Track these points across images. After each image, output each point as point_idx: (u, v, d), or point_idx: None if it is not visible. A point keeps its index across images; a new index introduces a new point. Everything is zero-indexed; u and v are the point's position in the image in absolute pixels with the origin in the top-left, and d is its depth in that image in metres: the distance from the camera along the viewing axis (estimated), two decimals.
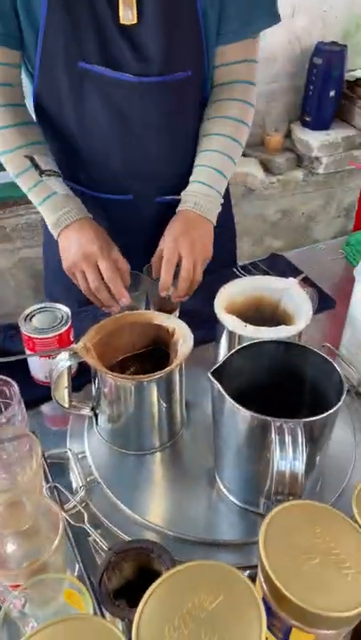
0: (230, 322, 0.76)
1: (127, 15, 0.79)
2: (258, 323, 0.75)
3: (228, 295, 0.81)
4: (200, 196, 0.90)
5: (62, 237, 0.88)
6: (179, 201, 0.93)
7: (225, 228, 1.17)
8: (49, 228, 0.90)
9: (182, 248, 0.85)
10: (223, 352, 0.81)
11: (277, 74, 2.21)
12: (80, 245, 0.84)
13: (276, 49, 2.15)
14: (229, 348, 0.76)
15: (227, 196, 1.12)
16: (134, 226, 1.02)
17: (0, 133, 0.88)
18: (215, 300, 0.79)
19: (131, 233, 1.00)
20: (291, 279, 0.81)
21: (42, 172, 0.88)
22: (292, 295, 0.80)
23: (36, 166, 0.88)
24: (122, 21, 0.80)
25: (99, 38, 0.81)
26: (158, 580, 0.42)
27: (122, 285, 0.84)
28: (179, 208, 0.91)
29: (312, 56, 2.15)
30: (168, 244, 0.86)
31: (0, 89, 0.86)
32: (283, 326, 0.75)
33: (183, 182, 0.94)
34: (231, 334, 0.77)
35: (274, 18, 0.90)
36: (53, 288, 1.19)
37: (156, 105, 0.88)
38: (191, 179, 0.92)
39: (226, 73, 0.93)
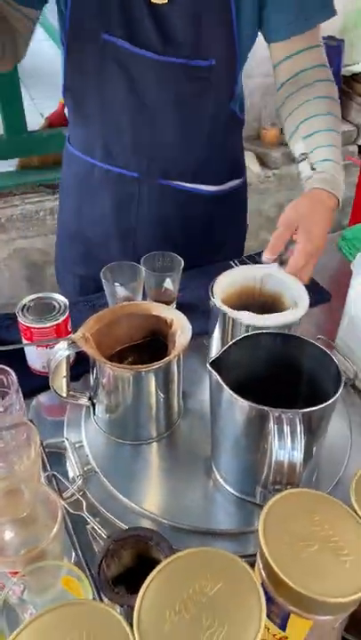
0: (242, 314, 0.74)
1: None
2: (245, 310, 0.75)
3: (224, 286, 0.79)
4: (330, 177, 0.84)
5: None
6: (187, 190, 0.92)
7: (237, 225, 1.17)
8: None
9: (302, 229, 0.78)
10: (217, 344, 0.80)
11: None
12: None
13: None
14: (227, 340, 0.75)
15: (244, 193, 1.11)
16: (136, 205, 1.01)
17: None
18: (213, 292, 0.78)
19: (132, 212, 1.01)
20: (273, 264, 0.80)
21: None
22: (276, 279, 0.79)
23: None
24: (153, 1, 0.80)
25: (126, 13, 0.81)
26: (159, 566, 0.42)
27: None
28: (312, 186, 0.83)
29: None
30: (284, 220, 0.79)
31: None
32: (289, 311, 0.74)
33: (188, 170, 0.94)
34: (229, 326, 0.76)
35: (331, 11, 0.88)
36: (59, 263, 1.21)
37: (172, 87, 0.87)
38: (318, 159, 0.84)
39: (292, 65, 0.92)
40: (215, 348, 0.80)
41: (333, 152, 0.85)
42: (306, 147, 0.86)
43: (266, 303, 0.80)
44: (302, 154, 0.86)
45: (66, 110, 1.06)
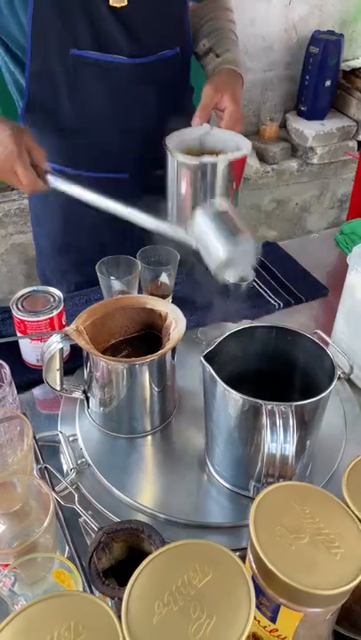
0: (203, 157, 0.82)
1: None
2: None
3: (173, 146, 0.85)
4: (236, 59, 0.95)
5: None
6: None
7: None
8: None
9: (227, 97, 0.86)
10: (174, 198, 0.87)
11: (273, 62, 2.20)
12: None
13: (272, 38, 2.14)
14: (186, 192, 0.85)
15: None
16: (132, 204, 1.01)
17: None
18: (168, 147, 0.84)
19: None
20: (206, 125, 0.88)
21: None
22: (213, 137, 0.88)
23: None
24: (112, 3, 0.81)
25: (90, 23, 0.81)
26: (148, 558, 0.42)
27: (41, 185, 0.81)
28: (220, 67, 0.92)
29: (308, 45, 2.14)
30: (208, 92, 0.86)
31: None
32: (237, 151, 0.83)
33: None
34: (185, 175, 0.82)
35: None
36: (46, 271, 1.18)
37: (149, 83, 0.90)
38: (223, 49, 0.95)
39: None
40: (172, 203, 0.88)
41: (233, 44, 0.97)
42: (209, 41, 0.97)
43: None
44: (208, 48, 0.97)
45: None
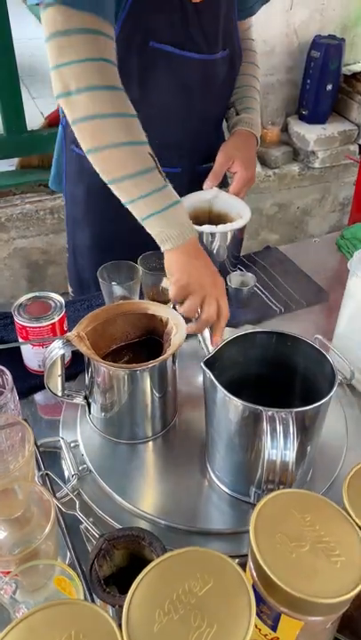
0: (204, 227, 0.93)
1: None
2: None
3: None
4: (253, 120, 1.03)
5: (177, 253, 0.78)
6: (206, 169, 1.01)
7: None
8: (158, 237, 0.78)
9: (237, 162, 0.96)
10: None
11: (275, 67, 2.20)
12: (198, 271, 0.78)
13: (273, 42, 2.14)
14: None
15: None
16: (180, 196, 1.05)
17: (125, 121, 0.75)
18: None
19: None
20: (216, 189, 0.99)
21: (165, 177, 0.79)
22: (222, 200, 0.99)
23: (159, 169, 0.78)
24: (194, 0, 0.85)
25: (170, 17, 0.85)
26: (149, 566, 0.42)
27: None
28: (238, 128, 1.01)
29: (310, 49, 2.14)
30: (219, 159, 0.96)
31: (111, 67, 0.75)
32: (236, 221, 0.95)
33: (215, 151, 1.01)
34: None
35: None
36: (84, 272, 1.18)
37: (214, 79, 0.96)
38: (244, 107, 1.03)
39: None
40: None
41: (254, 103, 1.04)
42: (232, 96, 1.04)
43: (216, 220, 0.99)
44: (230, 102, 1.04)
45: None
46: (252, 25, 1.11)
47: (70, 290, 1.28)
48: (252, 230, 2.38)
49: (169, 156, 0.97)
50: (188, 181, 1.02)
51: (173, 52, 0.88)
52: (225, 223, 0.96)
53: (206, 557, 0.43)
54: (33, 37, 2.73)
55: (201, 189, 1.01)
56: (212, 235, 0.95)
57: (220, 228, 0.94)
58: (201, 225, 0.94)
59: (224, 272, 1.05)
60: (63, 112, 0.94)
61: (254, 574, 0.45)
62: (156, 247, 0.80)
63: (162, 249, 0.79)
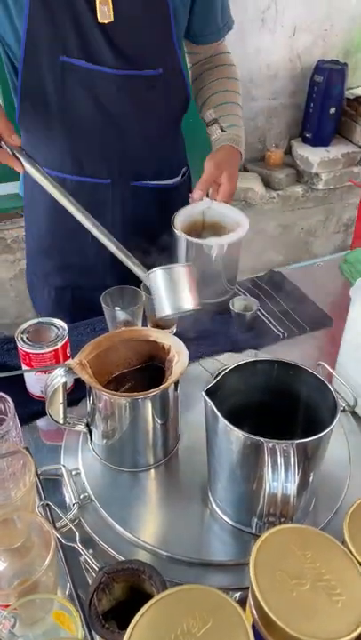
0: (210, 240, 0.95)
1: (104, 14, 0.86)
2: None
3: (180, 223, 0.98)
4: (239, 137, 1.05)
5: None
6: (152, 187, 1.06)
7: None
8: None
9: (226, 175, 0.98)
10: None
11: (278, 91, 2.23)
12: None
13: (277, 67, 2.18)
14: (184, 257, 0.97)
15: (189, 176, 1.22)
16: (110, 209, 1.07)
17: None
18: (175, 226, 0.97)
19: (107, 216, 1.05)
20: (207, 200, 1.01)
21: None
22: (213, 211, 1.01)
23: None
24: (100, 20, 0.86)
25: (79, 35, 0.87)
26: (148, 604, 0.42)
27: (6, 156, 0.82)
28: (224, 143, 1.03)
29: (313, 74, 2.18)
30: (209, 169, 0.98)
31: None
32: (239, 229, 0.96)
33: (152, 168, 1.06)
34: (191, 248, 0.95)
35: (231, 23, 1.11)
36: (33, 275, 1.22)
37: (130, 96, 0.96)
38: (229, 124, 1.05)
39: (207, 49, 1.11)
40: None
41: (238, 120, 1.07)
42: (216, 113, 1.06)
43: (210, 230, 1.01)
44: (213, 119, 1.06)
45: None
46: (222, 41, 1.12)
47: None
48: (257, 251, 2.40)
49: (97, 167, 1.03)
50: (120, 194, 1.05)
51: (84, 65, 0.89)
52: (219, 232, 0.98)
53: (206, 595, 0.43)
54: None
55: (137, 207, 1.05)
56: (221, 247, 0.95)
57: (227, 238, 0.95)
58: (198, 236, 0.96)
59: (232, 282, 1.08)
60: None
61: (254, 613, 0.44)
62: (95, 256, 0.86)
63: None
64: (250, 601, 0.45)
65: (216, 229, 1.01)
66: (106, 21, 0.86)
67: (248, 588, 0.49)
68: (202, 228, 1.02)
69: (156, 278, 0.77)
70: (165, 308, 0.77)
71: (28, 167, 0.82)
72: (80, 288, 1.14)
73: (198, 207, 1.01)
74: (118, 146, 1.01)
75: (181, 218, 0.99)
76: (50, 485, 0.74)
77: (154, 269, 0.77)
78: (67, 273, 1.13)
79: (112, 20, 0.87)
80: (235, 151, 1.03)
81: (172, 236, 1.00)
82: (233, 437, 0.62)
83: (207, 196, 1.02)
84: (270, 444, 0.58)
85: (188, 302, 0.77)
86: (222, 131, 1.04)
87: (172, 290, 0.76)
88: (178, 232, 0.96)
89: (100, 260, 1.02)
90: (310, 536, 0.47)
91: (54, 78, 0.91)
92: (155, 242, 1.02)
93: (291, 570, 0.44)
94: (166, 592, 0.43)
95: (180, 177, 1.16)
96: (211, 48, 1.11)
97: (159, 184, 1.09)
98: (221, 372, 0.70)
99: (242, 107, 1.10)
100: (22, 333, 0.83)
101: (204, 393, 0.64)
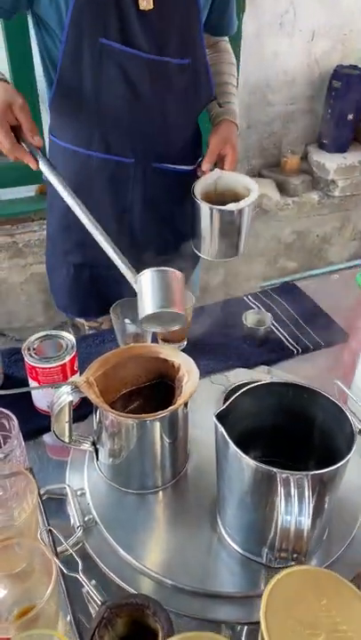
0: (229, 205, 1.00)
1: (146, 1, 0.92)
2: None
3: (198, 193, 1.04)
4: (235, 111, 1.15)
5: None
6: (171, 170, 1.11)
7: None
8: None
9: (229, 146, 1.09)
10: (207, 236, 1.05)
11: (295, 96, 2.20)
12: None
13: (294, 72, 2.14)
14: (207, 226, 1.03)
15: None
16: (131, 188, 1.12)
17: None
18: (196, 196, 1.03)
19: (128, 195, 1.11)
20: (216, 170, 1.09)
21: None
22: (224, 179, 1.08)
23: None
24: (141, 7, 0.93)
25: (119, 19, 0.93)
26: None
27: (21, 151, 0.88)
28: (222, 117, 1.13)
29: (331, 79, 2.14)
30: (215, 142, 1.08)
31: None
32: (251, 195, 1.03)
33: (175, 152, 1.11)
34: (215, 219, 1.02)
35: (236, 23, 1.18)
36: (51, 256, 1.26)
37: (161, 81, 1.01)
38: (225, 100, 1.15)
39: (210, 47, 1.17)
40: (204, 240, 1.06)
41: (233, 97, 1.17)
42: (215, 92, 1.13)
43: (221, 198, 1.06)
44: (214, 97, 1.14)
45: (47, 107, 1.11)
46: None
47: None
48: (271, 258, 2.36)
49: (122, 145, 1.07)
50: (141, 174, 1.09)
51: (121, 48, 0.95)
52: (231, 199, 1.03)
53: None
54: None
55: (157, 188, 1.10)
56: (238, 211, 1.01)
57: (243, 202, 1.01)
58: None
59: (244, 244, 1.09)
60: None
61: None
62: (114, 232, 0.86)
63: None
64: None
65: (228, 196, 1.06)
66: (147, 9, 0.93)
67: (257, 622, 0.47)
68: (215, 196, 1.07)
69: (145, 278, 0.76)
70: (147, 308, 0.75)
71: (42, 167, 0.88)
72: (98, 266, 1.16)
73: (211, 178, 1.07)
74: (144, 127, 1.05)
75: (199, 188, 1.05)
76: (54, 505, 0.72)
77: (143, 271, 0.77)
78: (86, 249, 1.14)
79: (152, 7, 0.93)
80: (232, 124, 1.13)
81: (183, 215, 1.07)
82: (244, 465, 0.59)
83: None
84: (284, 475, 0.55)
85: (172, 304, 0.74)
86: (220, 106, 1.14)
87: (159, 289, 0.75)
88: (199, 201, 1.02)
89: (123, 239, 1.03)
90: (325, 580, 0.44)
91: (92, 60, 0.96)
92: (169, 222, 1.14)
93: (305, 618, 0.42)
94: (173, 639, 0.40)
95: (197, 165, 1.19)
96: (216, 37, 1.18)
97: (178, 168, 1.13)
98: (232, 393, 0.67)
99: (237, 87, 1.21)
100: (29, 347, 0.81)
101: (214, 417, 0.62)
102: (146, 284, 0.76)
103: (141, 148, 1.07)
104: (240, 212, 1.01)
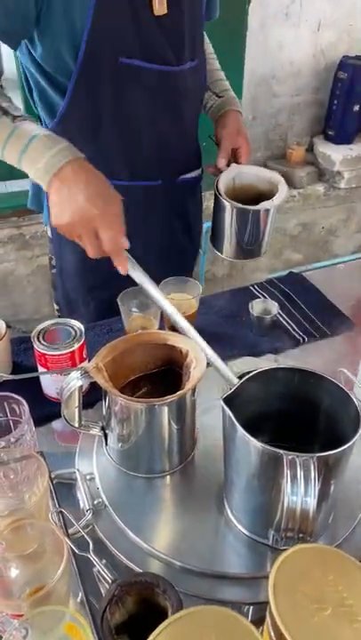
0: (264, 204, 0.95)
1: (160, 6, 0.88)
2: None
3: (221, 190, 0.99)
4: (235, 100, 1.11)
5: (54, 187, 0.74)
6: (190, 179, 1.08)
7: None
8: (37, 180, 0.76)
9: (242, 138, 1.04)
10: (228, 234, 1.00)
11: (301, 87, 2.20)
12: (78, 204, 0.73)
13: (300, 63, 2.14)
14: (231, 225, 0.98)
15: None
16: (161, 208, 1.08)
17: None
18: (220, 192, 0.97)
19: (156, 216, 1.07)
20: (233, 165, 1.03)
21: (14, 118, 0.76)
22: (243, 174, 1.03)
23: (5, 112, 0.76)
24: (156, 13, 0.88)
25: (137, 32, 0.88)
26: (162, 625, 0.40)
27: (125, 260, 0.76)
28: (227, 108, 1.08)
29: (337, 70, 2.13)
30: (229, 136, 1.04)
31: None
32: (279, 192, 0.96)
33: (193, 160, 1.08)
34: (237, 213, 0.96)
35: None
36: (70, 291, 1.16)
37: (183, 90, 0.98)
38: (221, 90, 1.11)
39: None
40: (226, 237, 1.01)
41: (227, 84, 1.13)
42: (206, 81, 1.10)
43: (240, 194, 1.01)
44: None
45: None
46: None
47: (56, 308, 1.25)
48: (276, 250, 2.36)
49: (149, 170, 1.03)
50: (167, 194, 1.06)
51: (142, 65, 0.90)
52: (251, 194, 0.99)
53: (222, 618, 0.41)
54: None
55: (181, 200, 1.08)
56: (266, 210, 0.96)
57: (274, 200, 0.95)
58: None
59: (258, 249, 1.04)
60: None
61: (273, 637, 0.43)
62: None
63: (47, 192, 0.75)
64: (268, 624, 0.44)
65: (247, 191, 1.01)
66: (161, 13, 0.88)
67: (263, 603, 0.48)
68: (233, 192, 1.01)
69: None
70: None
71: (133, 272, 0.76)
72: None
73: (229, 174, 1.01)
74: (169, 143, 1.02)
75: (222, 186, 0.99)
76: (64, 489, 0.73)
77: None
78: (113, 284, 0.98)
79: (166, 12, 0.88)
80: (237, 113, 1.09)
81: (199, 218, 1.06)
82: (251, 448, 0.60)
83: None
84: (290, 457, 0.56)
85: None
86: (217, 97, 1.09)
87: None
88: (226, 200, 0.96)
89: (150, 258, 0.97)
90: (332, 557, 0.45)
91: (111, 80, 0.90)
92: (184, 229, 1.10)
93: (312, 593, 0.43)
94: (182, 612, 0.41)
95: (200, 169, 1.16)
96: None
97: (193, 176, 1.11)
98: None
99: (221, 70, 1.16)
100: (39, 334, 0.82)
101: (222, 401, 0.63)
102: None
103: (168, 166, 1.04)
104: (266, 211, 0.96)
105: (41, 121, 1.00)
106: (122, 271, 0.76)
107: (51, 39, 0.85)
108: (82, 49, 0.85)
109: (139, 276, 0.76)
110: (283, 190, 0.96)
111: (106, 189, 0.76)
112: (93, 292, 1.13)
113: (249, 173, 1.03)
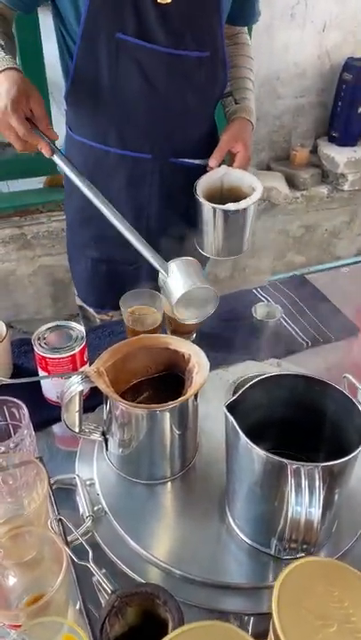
0: (229, 205, 0.97)
1: None
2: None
3: (202, 191, 1.02)
4: (251, 108, 1.12)
5: None
6: (188, 164, 1.09)
7: None
8: None
9: (241, 144, 1.05)
10: (209, 234, 1.02)
11: (306, 89, 2.18)
12: None
13: (305, 64, 2.12)
14: (216, 230, 1.01)
15: None
16: (149, 183, 1.11)
17: None
18: (198, 194, 1.00)
19: (145, 190, 1.11)
20: (223, 167, 1.05)
21: None
22: (230, 176, 1.05)
23: None
24: (159, 1, 0.92)
25: (136, 14, 0.93)
26: None
27: (37, 137, 0.88)
28: (238, 115, 1.10)
29: (342, 71, 2.12)
30: (225, 139, 1.06)
31: None
32: (254, 194, 0.99)
33: (192, 147, 1.09)
34: (217, 217, 0.99)
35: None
36: (70, 246, 1.26)
37: (178, 75, 1.00)
38: (240, 97, 1.13)
39: (229, 39, 1.16)
40: (207, 239, 1.03)
41: (250, 93, 1.14)
42: (231, 86, 1.13)
43: (227, 195, 1.04)
44: (228, 91, 1.12)
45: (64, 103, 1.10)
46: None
47: (78, 299, 1.32)
48: (279, 252, 2.35)
49: (140, 142, 1.06)
50: (158, 170, 1.09)
51: (138, 43, 0.94)
52: (237, 196, 1.01)
53: (226, 635, 0.40)
54: None
55: (174, 183, 1.09)
56: (242, 210, 0.99)
57: (244, 202, 0.98)
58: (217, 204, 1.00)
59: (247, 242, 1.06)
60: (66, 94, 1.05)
61: None
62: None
63: None
64: (271, 638, 0.43)
65: (234, 193, 1.05)
66: (164, 2, 0.92)
67: (265, 614, 0.47)
68: (221, 193, 1.05)
69: (175, 264, 0.83)
70: (180, 288, 0.81)
71: (57, 158, 0.89)
72: (114, 262, 1.17)
73: (217, 174, 1.05)
74: (162, 122, 1.04)
75: (202, 185, 1.03)
76: (63, 494, 0.72)
77: (171, 260, 0.84)
78: (102, 245, 1.16)
79: (169, 1, 0.92)
80: (247, 122, 1.10)
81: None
82: (254, 456, 0.59)
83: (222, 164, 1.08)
84: (295, 466, 0.55)
85: (206, 283, 0.83)
86: (236, 103, 1.12)
87: (189, 274, 0.82)
88: (200, 199, 0.99)
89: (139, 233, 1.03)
90: (337, 571, 0.44)
91: (109, 54, 0.95)
92: (185, 216, 1.08)
93: (316, 609, 0.41)
94: (184, 628, 0.40)
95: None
96: (236, 28, 1.16)
97: (195, 163, 1.12)
98: (242, 385, 0.67)
99: (254, 82, 1.17)
100: (39, 337, 0.81)
101: (225, 408, 0.61)
102: (178, 269, 0.82)
103: (159, 143, 1.07)
104: (244, 210, 0.98)
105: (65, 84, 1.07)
106: (46, 154, 0.90)
107: (60, 4, 0.94)
108: (81, 21, 0.92)
109: (60, 162, 0.89)
110: (256, 194, 1.00)
111: (23, 84, 0.87)
112: (86, 249, 1.20)
113: (235, 176, 1.06)
